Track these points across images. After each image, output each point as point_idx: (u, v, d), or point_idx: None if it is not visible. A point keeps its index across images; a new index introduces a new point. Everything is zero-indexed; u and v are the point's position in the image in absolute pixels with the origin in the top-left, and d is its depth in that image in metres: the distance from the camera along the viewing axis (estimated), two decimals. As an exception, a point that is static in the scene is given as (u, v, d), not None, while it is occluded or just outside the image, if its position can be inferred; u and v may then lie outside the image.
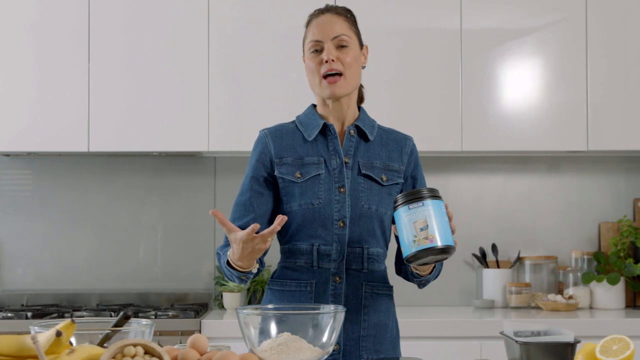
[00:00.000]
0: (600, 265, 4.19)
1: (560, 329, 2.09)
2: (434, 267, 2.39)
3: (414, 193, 2.11)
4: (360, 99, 2.60)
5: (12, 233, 4.27)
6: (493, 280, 4.18)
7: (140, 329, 1.84)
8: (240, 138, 3.93)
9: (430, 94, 3.98)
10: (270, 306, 2.16)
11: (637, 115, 3.99)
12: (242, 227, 2.39)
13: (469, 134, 3.95)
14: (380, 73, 3.93)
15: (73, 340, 1.82)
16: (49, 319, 3.67)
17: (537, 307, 4.11)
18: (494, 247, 4.26)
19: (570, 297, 4.04)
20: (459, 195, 4.32)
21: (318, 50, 2.45)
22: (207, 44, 3.94)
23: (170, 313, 3.69)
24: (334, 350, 2.40)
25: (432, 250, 2.07)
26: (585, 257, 4.21)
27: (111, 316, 3.64)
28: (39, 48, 3.95)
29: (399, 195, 2.13)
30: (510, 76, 3.99)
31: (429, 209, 2.08)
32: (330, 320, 1.95)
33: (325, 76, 2.43)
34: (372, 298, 2.46)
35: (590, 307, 4.14)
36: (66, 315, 3.76)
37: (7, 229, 4.27)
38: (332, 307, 2.04)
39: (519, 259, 4.26)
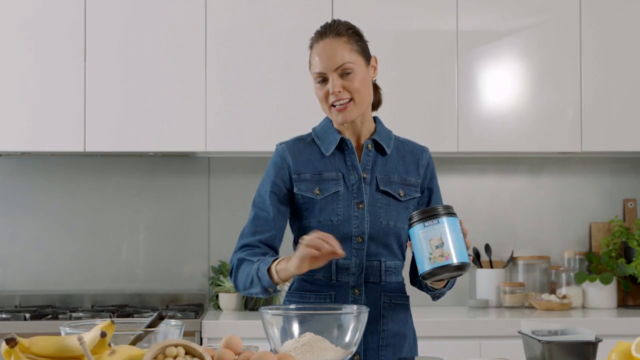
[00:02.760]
0: (592, 265, 4.24)
1: (578, 328, 2.12)
2: (448, 280, 2.41)
3: (429, 211, 2.12)
4: (378, 102, 2.59)
5: (3, 233, 4.23)
6: (487, 280, 4.22)
7: (169, 330, 1.84)
8: (237, 138, 3.93)
9: (426, 95, 4.00)
10: (293, 306, 2.17)
11: (630, 117, 4.04)
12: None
13: (464, 134, 3.98)
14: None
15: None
16: (46, 320, 3.65)
17: (531, 307, 4.14)
18: (487, 248, 4.29)
19: (564, 297, 4.08)
20: (452, 195, 4.33)
21: (324, 80, 2.43)
22: (204, 43, 3.93)
23: (168, 314, 3.68)
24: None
25: (447, 268, 2.09)
26: (577, 257, 4.26)
27: (110, 317, 3.63)
28: (34, 47, 3.91)
29: (414, 212, 2.15)
30: (505, 77, 4.02)
31: (444, 227, 2.10)
32: (354, 321, 1.96)
33: (334, 104, 2.43)
34: (390, 308, 2.48)
35: (583, 307, 4.18)
36: (61, 316, 3.73)
37: (-2, 229, 4.25)
38: (354, 307, 2.06)
39: (512, 259, 4.29)
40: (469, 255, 2.16)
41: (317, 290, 2.46)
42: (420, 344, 3.48)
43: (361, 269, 2.43)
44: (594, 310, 4.11)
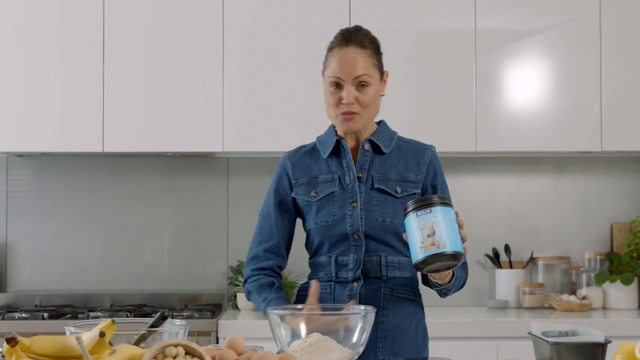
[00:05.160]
0: (613, 266, 4.20)
1: (589, 329, 2.10)
2: (453, 275, 2.39)
3: (422, 200, 2.12)
4: None
5: (24, 233, 4.27)
6: (506, 281, 4.19)
7: (174, 330, 1.84)
8: (254, 138, 3.93)
9: (444, 95, 3.98)
10: (300, 306, 2.17)
11: (650, 116, 4.00)
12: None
13: (483, 134, 3.96)
14: (393, 74, 3.90)
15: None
16: (64, 319, 3.67)
17: (551, 308, 4.11)
18: (506, 248, 4.26)
19: (584, 298, 4.04)
20: (472, 195, 4.32)
21: (338, 85, 2.46)
22: (221, 43, 3.94)
23: (185, 314, 3.69)
24: None
25: (439, 256, 2.07)
26: (598, 257, 4.22)
27: (127, 317, 3.64)
28: (54, 49, 3.94)
29: (409, 202, 2.15)
30: (524, 76, 3.99)
31: (437, 216, 2.09)
32: (361, 321, 1.96)
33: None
34: (391, 300, 2.49)
35: (604, 308, 4.14)
36: (80, 315, 3.75)
37: (19, 229, 4.27)
38: (362, 307, 2.06)
39: (532, 260, 4.26)
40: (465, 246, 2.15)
41: (321, 284, 2.51)
42: (437, 344, 3.48)
43: (359, 265, 2.47)
44: (614, 311, 4.07)
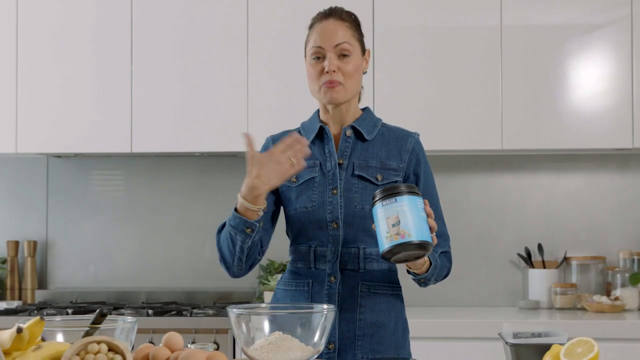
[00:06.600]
0: (650, 266, 4.09)
1: (560, 331, 2.05)
2: (430, 265, 2.35)
3: (388, 189, 2.10)
4: (358, 101, 2.61)
5: (64, 232, 4.39)
6: (539, 281, 4.11)
7: (125, 326, 1.88)
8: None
9: (470, 92, 3.93)
10: (263, 305, 2.18)
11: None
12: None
13: (509, 132, 3.90)
14: (419, 71, 3.91)
15: (60, 337, 1.86)
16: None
17: (583, 309, 4.02)
18: (540, 247, 4.18)
19: (616, 299, 3.93)
20: (505, 194, 4.25)
21: (319, 57, 2.46)
22: (246, 44, 3.98)
23: (210, 311, 3.73)
24: (329, 349, 2.41)
25: (404, 246, 2.05)
26: (635, 257, 4.10)
27: (147, 315, 3.70)
28: (87, 56, 4.04)
29: (376, 191, 2.13)
30: (553, 73, 3.92)
31: (402, 205, 2.07)
32: (321, 319, 1.95)
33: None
34: (369, 297, 2.45)
35: (639, 309, 4.03)
36: (112, 312, 3.84)
37: (59, 228, 4.39)
38: (324, 306, 2.05)
39: (566, 259, 4.17)
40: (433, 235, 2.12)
41: (298, 279, 2.49)
42: (465, 344, 3.45)
43: (336, 256, 2.44)
44: (650, 312, 3.97)
